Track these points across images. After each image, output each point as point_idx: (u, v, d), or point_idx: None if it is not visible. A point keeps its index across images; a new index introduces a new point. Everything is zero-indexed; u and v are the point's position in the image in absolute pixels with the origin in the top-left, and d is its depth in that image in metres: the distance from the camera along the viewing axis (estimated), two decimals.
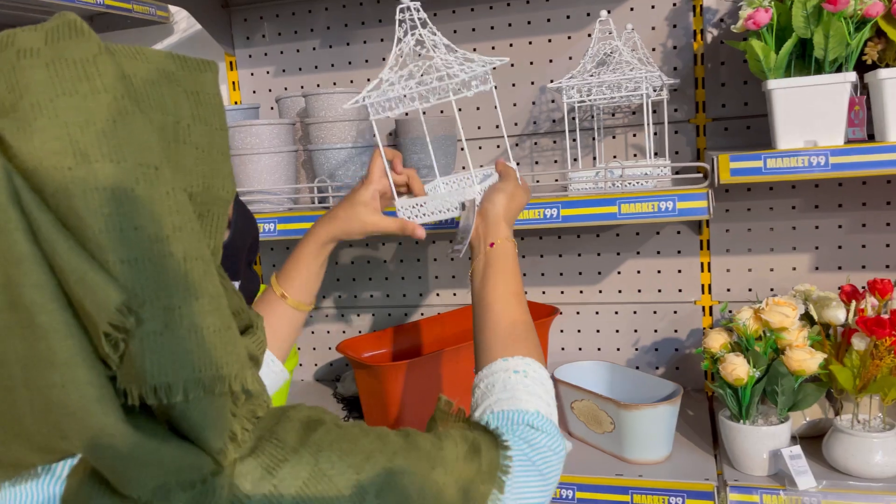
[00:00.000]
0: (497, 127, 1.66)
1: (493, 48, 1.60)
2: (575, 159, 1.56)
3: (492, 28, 1.64)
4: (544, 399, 0.76)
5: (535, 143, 1.65)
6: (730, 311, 1.29)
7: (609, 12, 1.55)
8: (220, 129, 0.52)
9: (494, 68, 1.07)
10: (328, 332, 1.87)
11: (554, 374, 1.45)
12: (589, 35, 1.59)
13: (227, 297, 0.50)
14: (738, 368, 1.20)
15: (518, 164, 1.65)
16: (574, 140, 1.56)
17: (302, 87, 1.79)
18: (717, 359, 1.25)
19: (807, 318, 1.32)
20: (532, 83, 1.63)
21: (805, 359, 1.17)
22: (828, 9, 1.05)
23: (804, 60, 1.15)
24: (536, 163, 1.66)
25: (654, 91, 1.39)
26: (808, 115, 1.11)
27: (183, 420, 0.45)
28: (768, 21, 1.10)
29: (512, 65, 1.63)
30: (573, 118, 1.59)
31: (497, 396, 0.75)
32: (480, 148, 1.69)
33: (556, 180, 1.61)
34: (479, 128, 1.68)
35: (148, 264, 0.44)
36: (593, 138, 1.58)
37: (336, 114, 1.40)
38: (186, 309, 0.45)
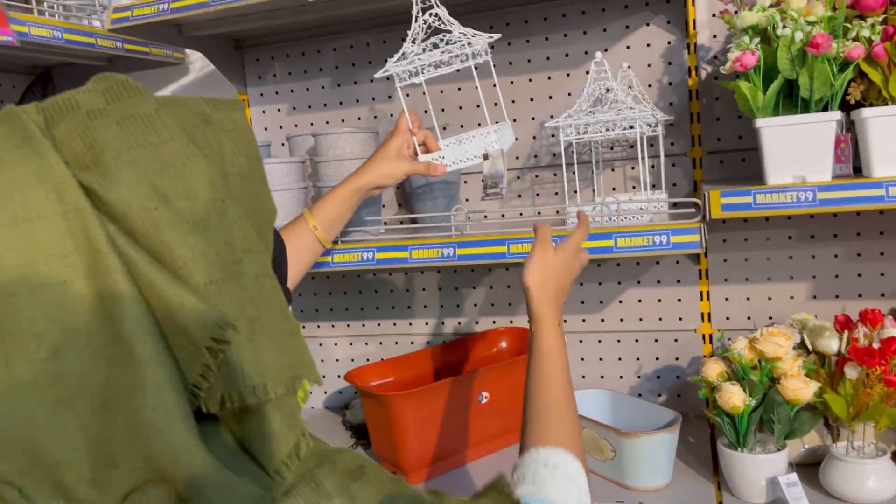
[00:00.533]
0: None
1: (493, 85, 1.65)
2: (575, 191, 1.61)
3: (493, 66, 1.69)
4: (573, 494, 0.80)
5: (536, 176, 1.70)
6: (729, 340, 1.33)
7: (606, 51, 1.62)
8: (256, 158, 0.58)
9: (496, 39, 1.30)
10: (337, 360, 1.91)
11: None
12: (587, 73, 1.65)
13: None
14: (735, 397, 1.23)
15: (520, 195, 1.71)
16: (573, 174, 1.61)
17: (312, 125, 1.86)
18: (715, 387, 1.28)
19: (803, 346, 1.35)
20: (532, 118, 1.69)
21: (800, 388, 1.20)
22: (811, 52, 1.10)
23: (791, 99, 1.20)
24: (538, 195, 1.71)
25: (650, 127, 1.43)
26: (797, 152, 1.16)
27: (255, 432, 0.51)
28: (755, 63, 1.15)
29: (513, 101, 1.69)
30: (571, 152, 1.64)
31: (527, 489, 0.80)
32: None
33: (557, 212, 1.66)
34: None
35: (230, 283, 0.50)
36: (592, 171, 1.63)
37: (343, 152, 1.46)
38: (266, 320, 0.52)
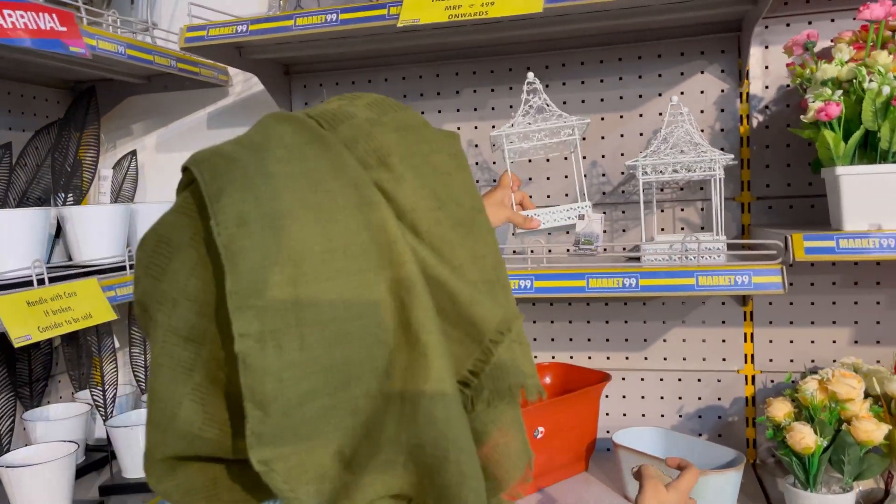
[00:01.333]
0: (566, 195, 1.74)
1: (571, 151, 1.68)
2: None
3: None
4: None
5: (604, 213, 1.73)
6: (793, 382, 1.35)
7: (660, 95, 1.67)
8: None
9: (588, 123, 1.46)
10: None
11: (613, 440, 1.49)
12: (640, 115, 1.69)
13: None
14: (807, 437, 1.25)
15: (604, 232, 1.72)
16: (622, 212, 1.64)
17: None
18: (783, 427, 1.30)
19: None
20: (584, 157, 1.72)
21: (872, 430, 1.23)
22: None
23: (866, 149, 1.25)
24: (604, 231, 1.73)
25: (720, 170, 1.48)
26: (874, 200, 1.20)
27: (501, 429, 0.53)
28: (839, 113, 1.20)
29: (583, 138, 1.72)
30: (622, 191, 1.68)
31: None
32: None
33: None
34: (548, 196, 1.75)
35: (497, 285, 0.54)
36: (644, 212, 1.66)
37: None
38: (516, 327, 0.54)
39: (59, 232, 1.60)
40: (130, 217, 1.61)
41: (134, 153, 1.93)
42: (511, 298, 0.56)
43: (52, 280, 1.31)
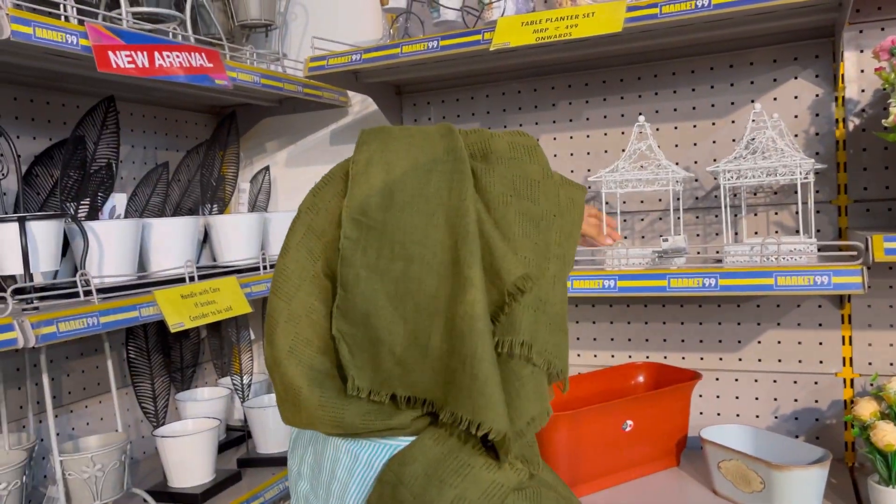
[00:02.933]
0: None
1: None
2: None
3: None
4: None
5: (678, 218, 1.79)
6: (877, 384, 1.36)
7: (753, 102, 1.71)
8: (579, 225, 0.78)
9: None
10: None
11: (701, 435, 1.55)
12: (732, 122, 1.74)
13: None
14: (889, 435, 1.27)
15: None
16: (715, 217, 1.69)
17: None
18: (868, 426, 1.32)
19: None
20: (677, 163, 1.78)
21: None
22: None
23: None
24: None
25: (804, 174, 1.51)
26: None
27: (512, 381, 0.65)
28: None
29: (658, 146, 1.79)
30: (715, 196, 1.73)
31: None
32: (642, 220, 1.84)
33: (698, 252, 1.74)
34: (641, 202, 1.84)
35: (533, 264, 0.68)
36: (735, 215, 1.71)
37: None
38: (549, 308, 0.68)
39: (206, 237, 1.86)
40: (264, 225, 1.84)
41: (267, 168, 2.18)
42: (556, 289, 0.70)
43: (200, 278, 1.55)
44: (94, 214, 1.57)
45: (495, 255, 0.65)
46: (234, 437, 1.99)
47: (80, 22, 1.33)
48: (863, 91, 1.62)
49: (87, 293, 1.29)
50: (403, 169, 0.69)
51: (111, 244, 1.43)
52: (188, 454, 1.61)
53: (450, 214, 0.66)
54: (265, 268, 1.73)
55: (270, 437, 1.83)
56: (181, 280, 1.53)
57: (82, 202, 1.55)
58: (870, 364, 1.65)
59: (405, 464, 0.64)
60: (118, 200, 1.68)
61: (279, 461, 1.81)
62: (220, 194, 2.01)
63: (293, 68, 2.12)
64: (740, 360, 1.77)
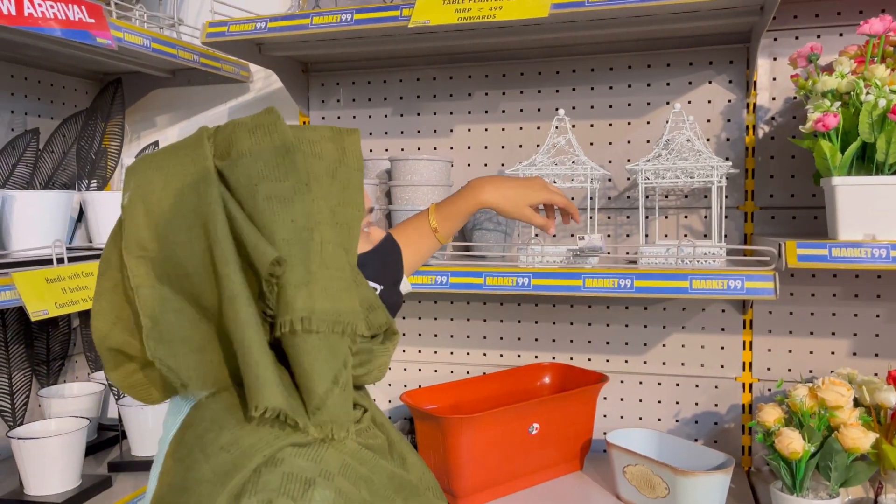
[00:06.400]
0: (572, 198, 1.77)
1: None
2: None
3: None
4: None
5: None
6: (785, 389, 1.37)
7: (668, 103, 1.70)
8: (357, 170, 0.76)
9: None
10: (389, 384, 1.93)
11: (607, 439, 1.51)
12: (647, 122, 1.72)
13: (358, 284, 0.74)
14: (795, 442, 1.27)
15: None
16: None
17: (371, 151, 1.91)
18: (772, 432, 1.32)
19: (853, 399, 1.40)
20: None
21: (859, 437, 1.24)
22: (892, 118, 1.17)
23: (863, 161, 1.27)
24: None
25: (719, 177, 1.50)
26: (869, 211, 1.22)
27: (304, 354, 0.66)
28: (836, 124, 1.22)
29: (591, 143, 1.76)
30: (628, 196, 1.71)
31: None
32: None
33: (608, 253, 1.71)
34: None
35: (297, 243, 0.68)
36: (647, 217, 1.69)
37: (421, 178, 1.50)
38: (321, 274, 0.68)
39: (81, 216, 1.66)
40: None
41: (156, 144, 2.00)
42: (325, 254, 0.70)
43: (71, 260, 1.37)
44: None
45: (248, 248, 0.67)
46: (107, 438, 1.81)
47: None
48: (773, 99, 1.64)
49: None
50: (159, 196, 0.71)
51: None
52: (49, 458, 1.43)
53: (204, 222, 0.68)
54: None
55: (147, 437, 1.66)
56: (48, 262, 1.35)
57: None
58: (769, 369, 1.68)
59: (199, 408, 0.70)
60: None
61: None
62: (100, 170, 1.81)
63: (190, 35, 1.95)
64: (645, 362, 1.76)
